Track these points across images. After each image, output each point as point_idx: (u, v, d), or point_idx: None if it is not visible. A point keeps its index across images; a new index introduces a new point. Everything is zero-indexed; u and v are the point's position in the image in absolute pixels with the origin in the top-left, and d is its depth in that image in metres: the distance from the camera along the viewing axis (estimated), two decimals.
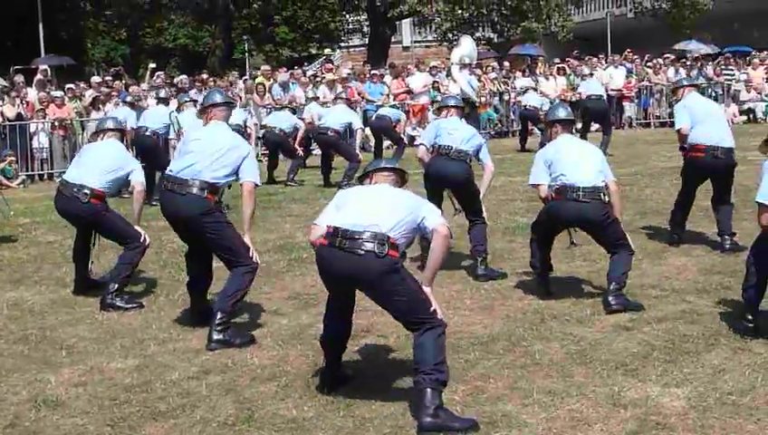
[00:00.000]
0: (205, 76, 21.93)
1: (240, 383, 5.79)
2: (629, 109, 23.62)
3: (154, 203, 10.84)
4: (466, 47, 17.38)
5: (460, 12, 30.17)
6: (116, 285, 7.73)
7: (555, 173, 7.29)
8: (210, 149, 6.70)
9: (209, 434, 5.08)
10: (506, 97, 22.61)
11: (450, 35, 30.84)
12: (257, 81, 21.13)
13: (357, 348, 6.30)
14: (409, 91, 21.43)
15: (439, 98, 16.76)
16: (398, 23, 35.96)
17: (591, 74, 21.09)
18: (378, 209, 5.24)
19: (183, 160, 6.76)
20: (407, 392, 5.42)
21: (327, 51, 28.29)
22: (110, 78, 22.24)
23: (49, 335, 7.02)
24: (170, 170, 6.82)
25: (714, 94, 22.74)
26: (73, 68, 27.21)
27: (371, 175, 5.64)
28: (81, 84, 20.97)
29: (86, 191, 7.83)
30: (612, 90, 22.17)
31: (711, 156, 8.88)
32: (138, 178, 8.06)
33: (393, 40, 36.36)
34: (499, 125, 22.75)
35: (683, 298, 7.25)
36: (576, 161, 7.26)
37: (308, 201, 12.97)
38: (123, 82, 21.21)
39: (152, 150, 13.53)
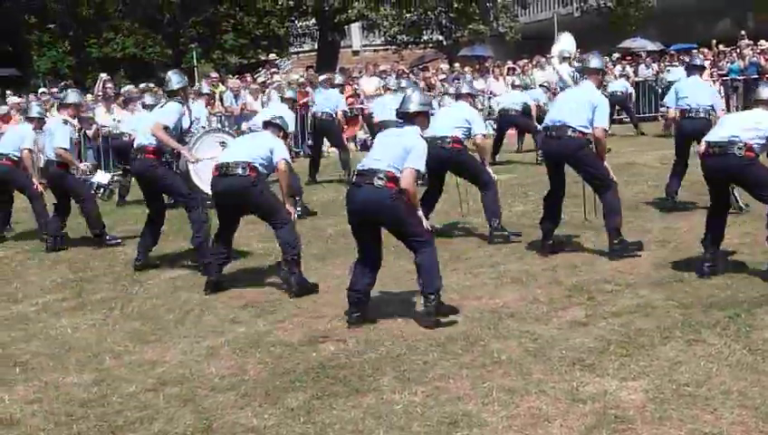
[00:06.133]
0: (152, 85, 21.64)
1: (198, 394, 5.73)
2: None
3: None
4: (565, 42, 17.62)
5: (407, 15, 30.23)
6: None
7: None
8: None
9: None
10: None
11: (398, 39, 30.92)
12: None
13: (315, 353, 6.28)
14: (357, 95, 21.31)
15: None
16: (346, 27, 35.95)
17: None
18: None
19: None
20: (366, 397, 5.42)
21: (271, 56, 28.07)
22: (56, 90, 21.90)
23: (2, 352, 6.90)
24: None
25: (660, 91, 23.00)
26: (18, 79, 26.90)
27: None
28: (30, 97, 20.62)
29: None
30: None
31: None
32: None
33: (342, 45, 36.35)
34: None
35: (637, 292, 7.32)
36: None
37: None
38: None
39: None
